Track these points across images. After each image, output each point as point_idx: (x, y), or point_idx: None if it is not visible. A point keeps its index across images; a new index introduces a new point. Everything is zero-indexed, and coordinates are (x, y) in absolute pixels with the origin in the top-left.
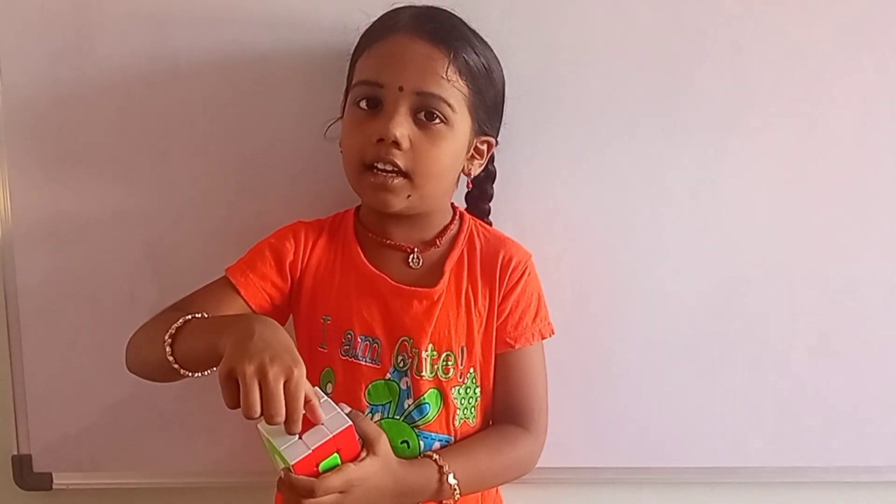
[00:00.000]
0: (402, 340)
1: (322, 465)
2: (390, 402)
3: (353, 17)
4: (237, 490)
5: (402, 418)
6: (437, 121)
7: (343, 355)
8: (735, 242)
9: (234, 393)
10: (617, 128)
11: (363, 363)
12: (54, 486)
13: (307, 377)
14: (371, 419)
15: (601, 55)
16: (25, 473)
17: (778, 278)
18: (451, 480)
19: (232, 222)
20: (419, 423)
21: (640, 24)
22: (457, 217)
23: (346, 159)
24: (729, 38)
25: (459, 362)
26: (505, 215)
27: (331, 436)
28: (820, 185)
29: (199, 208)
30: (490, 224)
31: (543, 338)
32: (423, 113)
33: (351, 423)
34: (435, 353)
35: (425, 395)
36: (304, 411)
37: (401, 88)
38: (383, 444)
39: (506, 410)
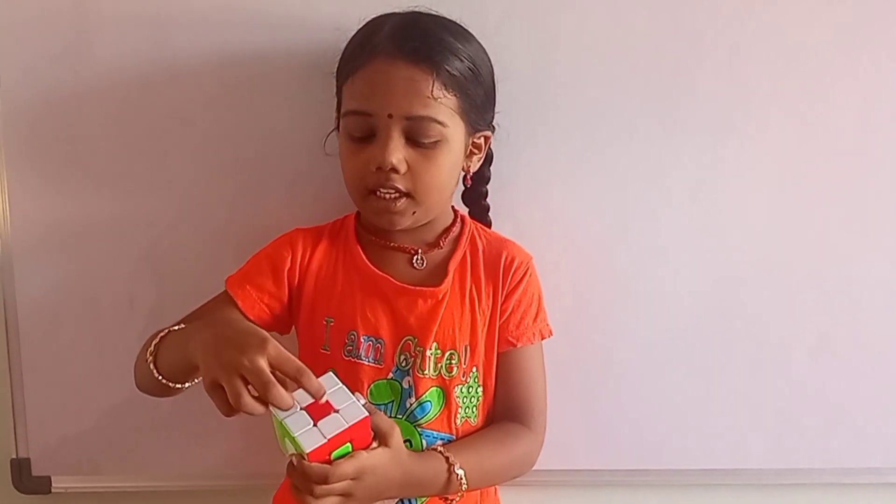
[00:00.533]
0: (406, 340)
1: (334, 454)
2: (392, 401)
3: (352, 18)
4: (235, 493)
5: (405, 417)
6: (431, 139)
7: (346, 356)
8: (734, 243)
9: (224, 400)
10: (615, 129)
11: (366, 363)
12: (53, 490)
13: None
14: None
15: (599, 57)
16: (24, 477)
17: (777, 279)
18: (459, 471)
19: (231, 225)
20: (421, 421)
21: (639, 25)
22: (458, 219)
23: (348, 185)
24: (727, 40)
25: (463, 361)
26: (503, 217)
27: (347, 426)
28: (818, 186)
29: (198, 211)
30: (490, 226)
31: (543, 338)
32: (415, 134)
33: (368, 414)
34: (439, 351)
35: (426, 394)
36: (322, 389)
37: (390, 116)
38: (396, 436)
39: (507, 408)
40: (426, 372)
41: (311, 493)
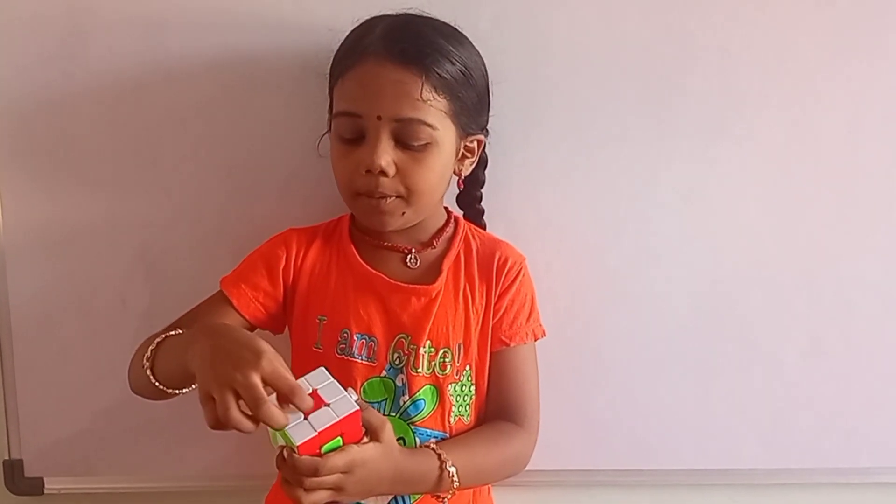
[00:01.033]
0: (400, 338)
1: (324, 448)
2: (386, 399)
3: (343, 20)
4: (229, 494)
5: (398, 415)
6: (421, 142)
7: (339, 354)
8: (726, 245)
9: (214, 413)
10: (607, 132)
11: (359, 361)
12: (46, 491)
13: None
14: None
15: (592, 59)
16: (17, 478)
17: (769, 281)
18: (451, 469)
19: (224, 226)
20: (415, 419)
21: (630, 29)
22: (451, 220)
23: (339, 187)
24: (719, 42)
25: (456, 359)
26: (497, 220)
27: (338, 419)
28: (810, 188)
29: (191, 213)
30: (484, 228)
31: (536, 338)
32: (404, 137)
33: (359, 407)
34: (433, 349)
35: (420, 392)
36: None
37: (379, 117)
38: (387, 431)
39: (500, 408)
40: (420, 370)
41: (301, 486)
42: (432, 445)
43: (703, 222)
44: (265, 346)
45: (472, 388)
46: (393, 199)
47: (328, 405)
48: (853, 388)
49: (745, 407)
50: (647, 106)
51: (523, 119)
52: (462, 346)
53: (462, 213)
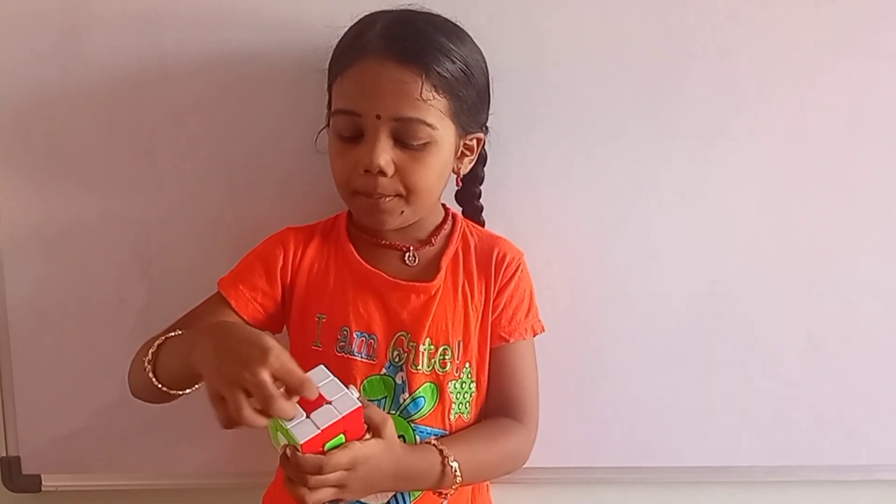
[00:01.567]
0: (399, 335)
1: (327, 445)
2: (386, 396)
3: (341, 17)
4: (226, 491)
5: (398, 413)
6: (420, 141)
7: (338, 352)
8: (724, 243)
9: (226, 413)
10: (606, 131)
11: (358, 359)
12: (43, 488)
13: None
14: None
15: (591, 58)
16: (14, 475)
17: (767, 279)
18: (453, 464)
19: (221, 224)
20: (415, 417)
21: (629, 27)
22: (449, 217)
23: (337, 184)
24: (717, 41)
25: (456, 356)
26: (495, 218)
27: (340, 416)
28: (808, 187)
29: (188, 210)
30: (483, 225)
31: (535, 334)
32: (404, 136)
33: (361, 404)
34: (432, 347)
35: (420, 389)
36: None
37: (378, 116)
38: (389, 427)
39: (499, 404)
40: (419, 367)
41: (305, 485)
42: (433, 441)
43: (701, 221)
44: (271, 342)
45: (473, 385)
46: (392, 198)
47: (330, 403)
48: (852, 387)
49: (744, 405)
50: (646, 104)
51: (522, 117)
52: (462, 343)
53: (461, 210)
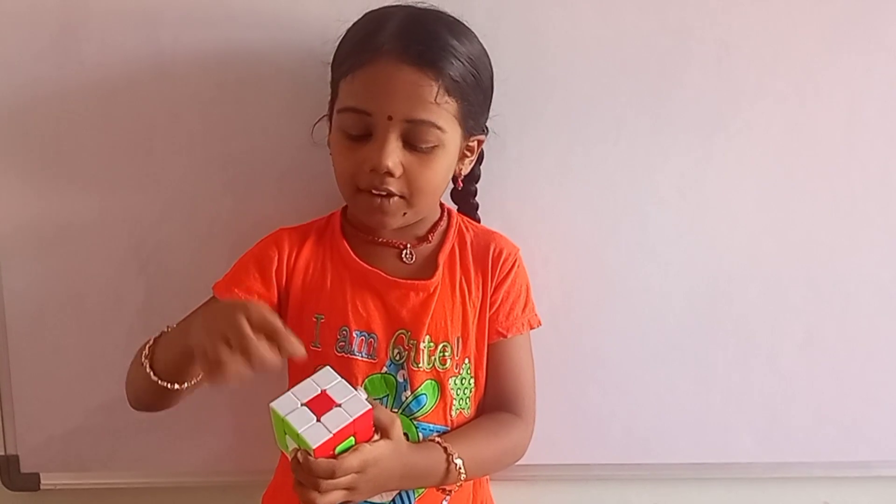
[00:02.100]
0: (399, 333)
1: (338, 448)
2: (388, 395)
3: (340, 14)
4: (225, 489)
5: (401, 411)
6: (428, 144)
7: (338, 352)
8: (722, 241)
9: (209, 366)
10: (604, 127)
11: (359, 358)
12: (42, 487)
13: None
14: None
15: (589, 54)
16: (13, 474)
17: (765, 275)
18: (458, 461)
19: (218, 221)
20: (417, 414)
21: (628, 23)
22: (445, 213)
23: (340, 182)
24: (716, 38)
25: (455, 353)
26: (493, 214)
27: (351, 419)
28: (807, 184)
29: (185, 208)
30: (479, 221)
31: (532, 328)
32: (413, 138)
33: (371, 406)
34: (432, 344)
35: (422, 387)
36: (300, 351)
37: (390, 118)
38: (397, 428)
39: (497, 398)
40: (420, 365)
41: (316, 489)
42: (437, 439)
43: (699, 217)
44: (253, 301)
45: (472, 380)
46: (396, 199)
47: (339, 405)
48: (851, 383)
49: (743, 401)
50: (644, 100)
51: (519, 113)
52: (461, 339)
53: (457, 207)
